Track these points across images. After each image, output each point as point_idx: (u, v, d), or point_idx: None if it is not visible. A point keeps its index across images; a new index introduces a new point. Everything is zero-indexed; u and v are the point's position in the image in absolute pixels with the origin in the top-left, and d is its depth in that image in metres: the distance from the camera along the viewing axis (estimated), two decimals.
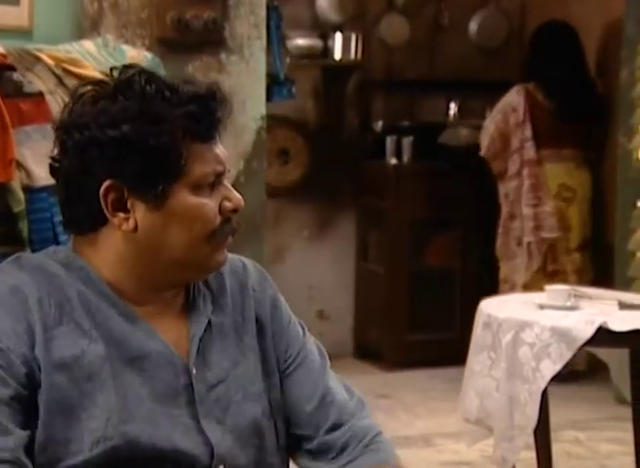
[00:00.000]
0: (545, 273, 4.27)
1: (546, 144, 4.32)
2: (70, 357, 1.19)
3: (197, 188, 1.22)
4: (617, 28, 4.25)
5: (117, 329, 1.23)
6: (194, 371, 1.26)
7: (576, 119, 4.34)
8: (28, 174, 2.04)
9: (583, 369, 4.21)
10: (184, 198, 1.22)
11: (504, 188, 4.36)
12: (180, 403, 1.24)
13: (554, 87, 4.29)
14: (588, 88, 4.39)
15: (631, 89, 3.88)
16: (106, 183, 1.21)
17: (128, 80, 1.23)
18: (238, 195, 1.27)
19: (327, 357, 1.41)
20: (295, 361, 1.36)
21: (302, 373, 1.36)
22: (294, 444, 1.36)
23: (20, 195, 2.01)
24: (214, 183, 1.24)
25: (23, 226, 2.02)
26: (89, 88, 1.24)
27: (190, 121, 1.21)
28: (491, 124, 4.33)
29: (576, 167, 4.38)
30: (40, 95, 2.11)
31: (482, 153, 4.35)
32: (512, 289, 4.28)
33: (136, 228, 1.22)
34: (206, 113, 1.23)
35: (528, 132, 4.28)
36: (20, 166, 2.03)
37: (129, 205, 1.21)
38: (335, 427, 1.34)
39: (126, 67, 1.26)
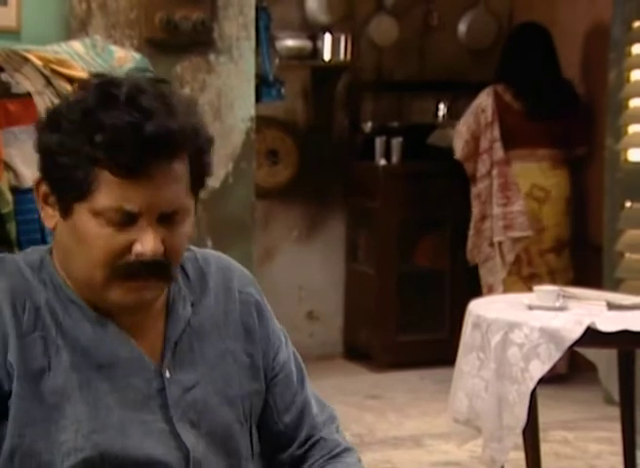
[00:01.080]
0: (521, 276, 4.27)
1: (518, 144, 4.33)
2: (39, 368, 1.19)
3: (102, 216, 1.18)
4: (603, 30, 4.26)
5: (84, 337, 1.22)
6: (167, 375, 1.24)
7: (547, 119, 4.35)
8: (16, 174, 2.03)
9: (565, 372, 4.23)
10: (85, 220, 1.19)
11: (476, 189, 4.38)
12: (153, 408, 1.23)
13: (523, 87, 4.32)
14: (561, 88, 4.41)
15: (619, 90, 3.89)
16: (39, 176, 1.23)
17: (83, 86, 1.23)
18: (153, 244, 1.18)
19: (304, 367, 1.39)
20: (280, 370, 1.34)
21: (284, 384, 1.34)
22: (268, 452, 1.35)
23: (8, 196, 2.00)
24: (135, 217, 1.18)
25: (11, 228, 2.01)
26: (84, 82, 1.27)
27: (98, 150, 1.16)
28: (463, 127, 4.36)
29: (551, 167, 4.39)
30: (28, 95, 2.10)
31: (457, 156, 4.38)
32: (490, 291, 4.29)
33: (55, 227, 1.24)
34: (122, 148, 1.15)
35: (496, 132, 4.31)
36: (7, 167, 2.02)
37: (51, 204, 1.23)
38: (306, 440, 1.34)
39: (108, 80, 1.22)
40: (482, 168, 4.34)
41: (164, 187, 1.18)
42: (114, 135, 1.15)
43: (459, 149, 4.36)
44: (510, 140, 4.30)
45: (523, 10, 4.99)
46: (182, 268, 1.31)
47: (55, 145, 1.18)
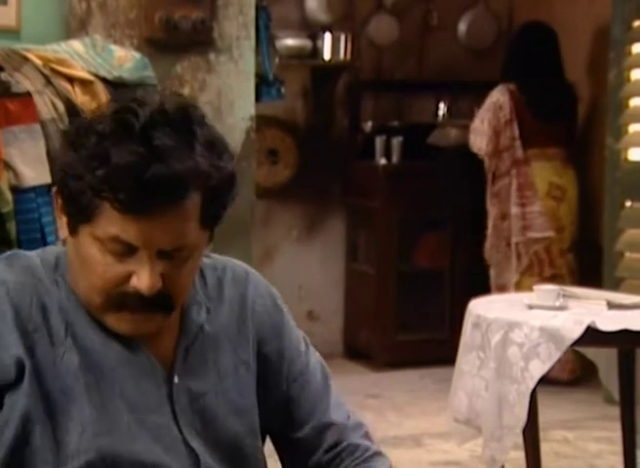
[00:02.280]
0: (543, 277, 4.21)
1: (532, 144, 4.33)
2: (45, 367, 1.18)
3: (101, 243, 1.17)
4: (604, 30, 4.26)
5: (95, 339, 1.21)
6: (176, 381, 1.23)
7: (553, 119, 4.35)
8: (16, 174, 2.03)
9: (568, 377, 4.22)
10: (88, 243, 1.18)
11: (495, 187, 4.35)
12: (164, 413, 1.22)
13: (531, 87, 4.31)
14: (564, 89, 4.40)
15: (619, 90, 3.89)
16: (56, 188, 1.22)
17: (102, 115, 1.18)
18: (149, 280, 1.15)
19: (329, 374, 1.37)
20: (296, 380, 1.33)
21: (302, 394, 1.32)
22: (293, 459, 1.34)
23: (8, 195, 2.00)
24: (136, 248, 1.16)
25: (11, 227, 2.01)
26: (99, 110, 1.23)
27: (102, 185, 1.13)
28: (482, 123, 4.32)
29: (562, 166, 4.39)
30: (28, 95, 2.11)
31: (482, 153, 4.30)
32: (502, 292, 4.25)
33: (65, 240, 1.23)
34: (122, 186, 1.12)
35: (516, 130, 4.29)
36: (7, 166, 2.02)
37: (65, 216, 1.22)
38: (332, 447, 1.32)
39: (128, 104, 1.17)
40: (502, 166, 4.29)
41: (166, 225, 1.15)
42: (116, 172, 1.12)
43: (483, 146, 4.29)
44: (525, 139, 4.29)
45: (523, 10, 4.99)
46: (202, 274, 1.30)
47: (67, 166, 1.17)
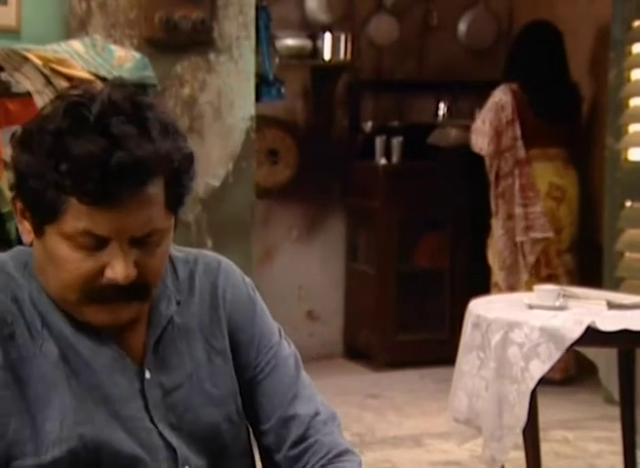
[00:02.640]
0: (539, 277, 4.22)
1: (533, 144, 4.32)
2: (23, 357, 1.18)
3: (71, 239, 1.16)
4: (604, 30, 4.26)
5: (68, 333, 1.21)
6: (147, 376, 1.24)
7: (556, 119, 4.35)
8: None
9: (561, 377, 4.22)
10: (56, 243, 1.17)
11: (499, 188, 4.33)
12: (137, 407, 1.22)
13: (534, 87, 4.30)
14: (569, 88, 4.40)
15: (619, 90, 3.89)
16: (14, 192, 1.21)
17: (54, 108, 1.18)
18: (124, 269, 1.16)
19: (301, 365, 1.36)
20: (264, 369, 1.32)
21: (271, 384, 1.32)
22: (263, 452, 1.33)
23: (9, 195, 2.00)
24: (106, 241, 1.16)
25: (11, 227, 2.01)
26: (55, 100, 1.22)
27: (66, 180, 1.13)
28: (484, 124, 4.31)
29: (563, 166, 4.39)
30: (28, 95, 2.11)
31: (483, 153, 4.30)
32: (514, 292, 4.23)
33: (32, 243, 1.22)
34: (87, 178, 1.12)
35: (517, 130, 4.29)
36: (7, 166, 2.02)
37: (28, 219, 1.21)
38: (298, 442, 1.30)
39: (77, 99, 1.17)
40: (505, 166, 4.28)
41: (134, 212, 1.15)
42: (79, 164, 1.12)
43: (484, 146, 4.29)
44: (527, 140, 4.29)
45: (523, 10, 4.99)
46: (174, 268, 1.31)
47: (24, 167, 1.17)
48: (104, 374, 1.21)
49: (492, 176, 4.33)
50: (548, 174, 4.34)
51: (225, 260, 1.36)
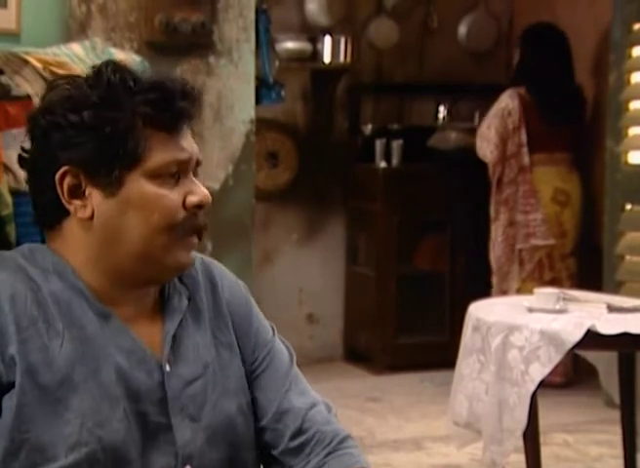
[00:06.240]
0: (542, 282, 4.21)
1: (539, 148, 4.32)
2: (43, 361, 1.18)
3: (157, 178, 1.21)
4: (604, 32, 4.26)
5: (90, 327, 1.21)
6: (167, 369, 1.25)
7: (564, 122, 4.35)
8: (16, 177, 2.03)
9: (561, 381, 4.22)
10: (141, 186, 1.21)
11: (503, 195, 4.32)
12: (153, 400, 1.23)
13: (542, 90, 4.29)
14: (575, 91, 4.40)
15: (619, 92, 3.89)
16: (63, 169, 1.22)
17: (97, 71, 1.24)
18: (204, 190, 1.25)
19: (294, 359, 1.39)
20: (260, 365, 1.35)
21: (266, 379, 1.34)
22: (263, 448, 1.34)
23: (8, 198, 2.00)
24: (178, 175, 1.23)
25: (11, 230, 2.01)
26: (63, 80, 1.27)
27: (150, 108, 1.21)
28: (489, 130, 4.29)
29: (568, 171, 4.39)
30: (28, 98, 2.10)
31: (486, 160, 4.30)
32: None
33: (92, 216, 1.22)
34: (167, 102, 1.22)
35: (524, 137, 4.28)
36: (7, 169, 2.02)
37: (86, 192, 1.21)
38: (297, 434, 1.32)
39: (103, 62, 1.27)
40: (510, 173, 4.28)
41: (192, 140, 1.27)
42: (157, 89, 1.21)
43: (488, 153, 4.28)
44: (533, 145, 4.28)
45: (523, 12, 4.99)
46: None
47: (92, 121, 1.20)
48: (125, 369, 1.22)
49: (494, 182, 4.33)
50: (553, 178, 4.33)
51: (209, 258, 1.40)
